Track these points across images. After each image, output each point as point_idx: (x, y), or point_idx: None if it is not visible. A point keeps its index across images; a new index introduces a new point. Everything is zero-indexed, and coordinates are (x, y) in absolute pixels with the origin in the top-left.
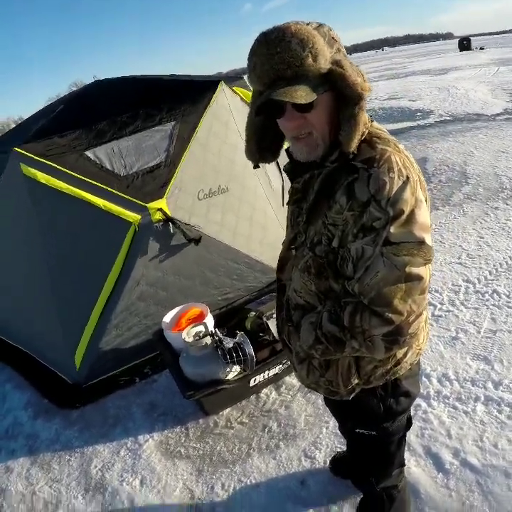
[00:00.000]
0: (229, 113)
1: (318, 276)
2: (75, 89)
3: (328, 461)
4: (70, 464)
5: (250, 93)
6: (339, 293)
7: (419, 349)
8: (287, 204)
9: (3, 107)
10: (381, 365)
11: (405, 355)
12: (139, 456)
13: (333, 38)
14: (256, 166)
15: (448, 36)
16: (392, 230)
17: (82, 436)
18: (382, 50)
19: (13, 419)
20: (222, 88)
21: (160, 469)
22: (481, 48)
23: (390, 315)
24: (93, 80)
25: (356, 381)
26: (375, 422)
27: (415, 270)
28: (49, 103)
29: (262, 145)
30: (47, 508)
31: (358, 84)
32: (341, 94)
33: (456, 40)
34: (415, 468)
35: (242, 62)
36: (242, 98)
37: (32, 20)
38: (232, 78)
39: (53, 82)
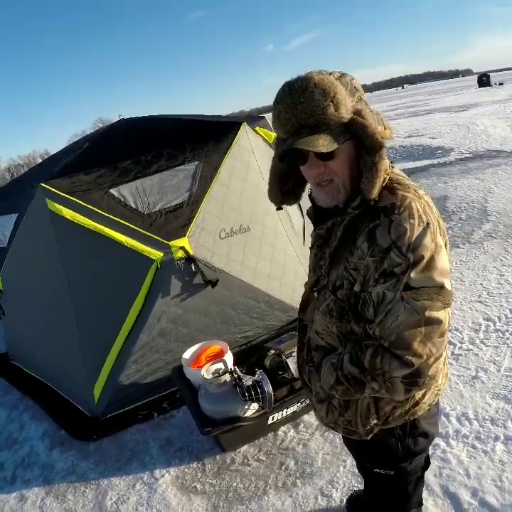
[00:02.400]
0: (251, 154)
1: (340, 319)
2: (100, 125)
3: (344, 500)
4: (85, 495)
5: (272, 133)
6: (360, 335)
7: (438, 390)
8: (310, 248)
9: (30, 140)
10: (400, 406)
11: (424, 396)
12: (155, 491)
13: (355, 87)
14: (279, 208)
15: (467, 73)
16: (412, 275)
17: (97, 469)
18: (402, 88)
19: (30, 449)
20: (245, 129)
21: (175, 504)
22: (500, 84)
23: (409, 358)
24: (119, 118)
25: (375, 421)
26: (393, 462)
27: (435, 314)
28: (74, 138)
29: (284, 189)
30: None
31: (378, 133)
32: (362, 143)
33: (475, 76)
34: (433, 507)
35: (264, 100)
36: (264, 139)
37: (61, 55)
38: (254, 118)
39: (79, 118)
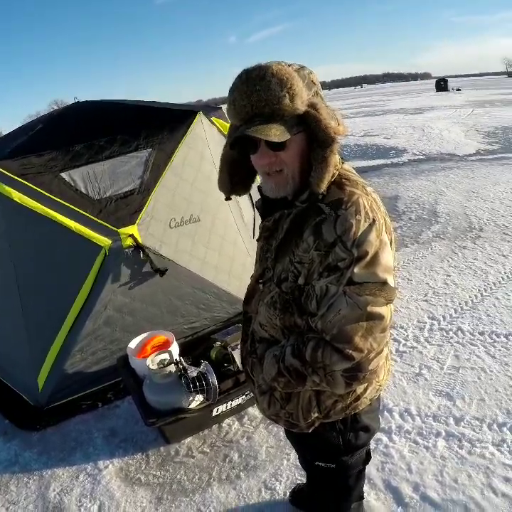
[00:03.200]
0: (205, 143)
1: (283, 312)
2: (55, 107)
3: (288, 493)
4: (28, 486)
5: (228, 124)
6: (303, 328)
7: (380, 385)
8: (257, 240)
9: None
10: (341, 400)
11: (365, 390)
12: (99, 482)
13: (312, 81)
14: (228, 198)
15: (426, 76)
16: (356, 270)
17: (41, 459)
18: (361, 87)
19: None
20: (200, 118)
21: (119, 496)
22: (458, 89)
23: (350, 352)
24: (74, 102)
25: (316, 415)
26: (334, 456)
27: (377, 309)
28: (28, 119)
29: (234, 178)
30: None
31: (331, 127)
32: (314, 136)
33: (434, 81)
34: (375, 501)
35: (221, 91)
36: (219, 129)
37: (16, 33)
38: (211, 108)
39: (33, 99)
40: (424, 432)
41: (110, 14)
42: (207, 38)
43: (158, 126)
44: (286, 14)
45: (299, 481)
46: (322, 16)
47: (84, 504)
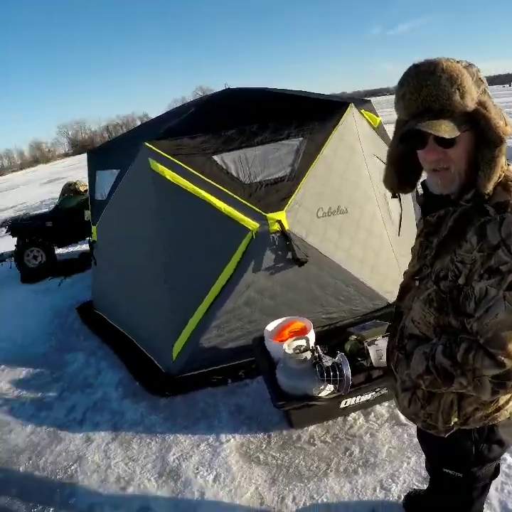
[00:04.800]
0: (356, 136)
1: (439, 310)
2: (200, 93)
3: (402, 497)
4: (149, 447)
5: (377, 118)
6: (457, 329)
7: None
8: (416, 236)
9: (129, 102)
10: (482, 409)
11: (507, 402)
12: (218, 454)
13: (480, 78)
14: (394, 196)
15: None
16: None
17: (165, 424)
18: (510, 86)
19: (103, 395)
20: (352, 110)
21: (236, 470)
22: None
23: (502, 358)
24: (224, 88)
25: (455, 420)
26: (463, 465)
27: None
28: (174, 104)
29: (400, 175)
30: (119, 482)
31: (500, 127)
32: (482, 136)
33: None
34: None
35: (366, 84)
36: (369, 122)
37: (164, 21)
38: (360, 101)
39: (178, 85)
40: None
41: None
42: (348, 27)
43: (310, 115)
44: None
45: (415, 487)
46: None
47: (201, 472)
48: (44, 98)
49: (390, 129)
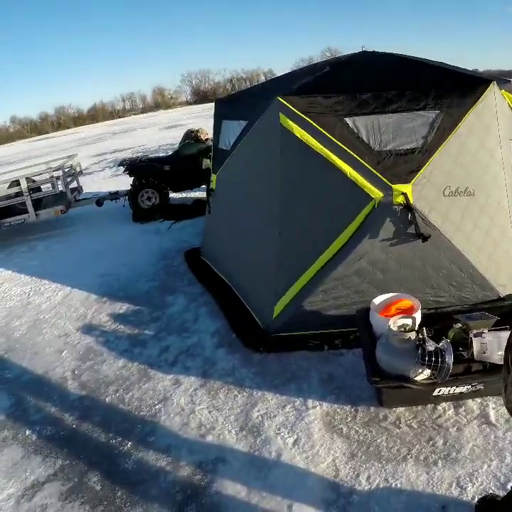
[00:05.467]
0: (494, 116)
1: None
2: (328, 55)
3: (476, 497)
4: (235, 399)
5: None
6: None
7: None
8: None
9: (254, 57)
10: None
11: None
12: (302, 418)
13: None
14: None
15: None
16: None
17: (255, 379)
18: None
19: (198, 341)
20: (493, 89)
21: (317, 438)
22: None
23: None
24: (361, 50)
25: None
26: None
27: None
28: (300, 63)
29: None
30: (199, 429)
31: None
32: None
33: None
34: None
35: (501, 63)
36: (509, 104)
37: None
38: (501, 80)
39: (306, 44)
40: None
41: None
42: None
43: (449, 88)
44: None
45: (491, 491)
46: None
47: (282, 433)
48: (171, 45)
49: None
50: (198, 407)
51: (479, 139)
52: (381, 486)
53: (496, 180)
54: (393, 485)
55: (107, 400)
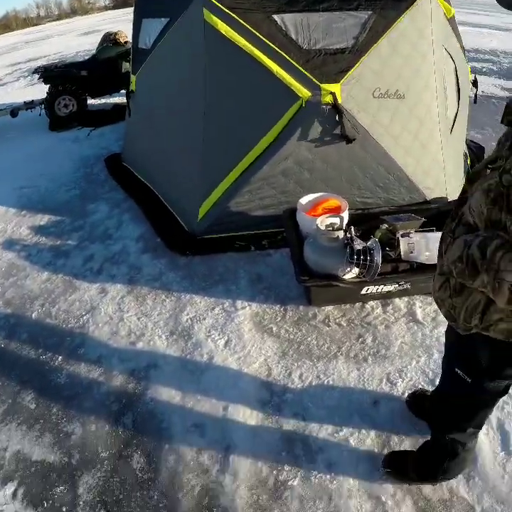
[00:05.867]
0: (428, 21)
1: (494, 203)
2: None
3: (406, 393)
4: (164, 304)
5: (452, 9)
6: (505, 227)
7: None
8: (502, 123)
9: None
10: (507, 321)
11: None
12: (232, 319)
13: None
14: None
15: None
16: None
17: (183, 283)
18: None
19: (122, 247)
20: None
21: (247, 338)
22: None
23: None
24: None
25: (476, 322)
26: (474, 371)
27: None
28: None
29: None
30: (129, 336)
31: None
32: None
33: None
34: (484, 436)
35: None
36: (444, 12)
37: None
38: None
39: None
40: None
41: None
42: None
43: None
44: None
45: (421, 386)
46: None
47: (213, 335)
48: None
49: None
50: (126, 314)
51: (412, 43)
52: (314, 384)
53: (427, 85)
54: (325, 382)
55: (33, 315)
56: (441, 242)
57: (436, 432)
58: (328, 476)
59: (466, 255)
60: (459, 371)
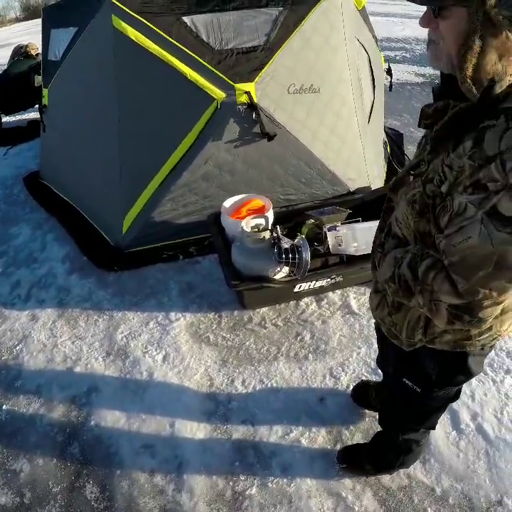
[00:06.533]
0: (339, 14)
1: (420, 215)
2: None
3: (351, 386)
4: (96, 324)
5: (363, 1)
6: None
7: (499, 334)
8: (418, 125)
9: None
10: (451, 333)
11: (480, 334)
12: (167, 333)
13: None
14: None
15: None
16: (504, 199)
17: (113, 300)
18: None
19: (48, 270)
20: None
21: (185, 350)
22: None
23: (463, 289)
24: None
25: (420, 337)
26: (423, 382)
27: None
28: None
29: None
30: (65, 362)
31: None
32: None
33: None
34: None
35: None
36: (355, 3)
37: None
38: None
39: None
40: (495, 365)
41: None
42: None
43: None
44: None
45: (364, 377)
46: None
47: (150, 351)
48: None
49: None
50: (59, 339)
51: (324, 36)
52: (258, 388)
53: (341, 77)
54: (269, 385)
55: None
56: (372, 255)
57: (388, 432)
58: (285, 480)
59: (398, 275)
60: (407, 381)
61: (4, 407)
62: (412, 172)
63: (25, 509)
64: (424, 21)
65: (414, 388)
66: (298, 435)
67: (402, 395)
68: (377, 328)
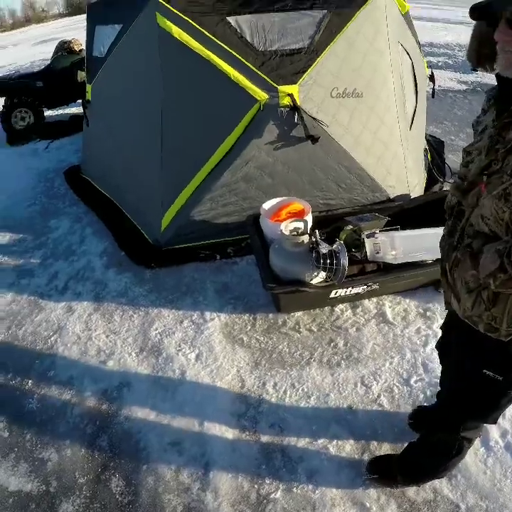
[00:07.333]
0: (383, 17)
1: None
2: None
3: (382, 395)
4: (131, 320)
5: (407, 5)
6: None
7: None
8: (483, 130)
9: None
10: None
11: None
12: (201, 332)
13: None
14: (473, 69)
15: None
16: None
17: (150, 297)
18: None
19: (86, 263)
20: None
21: (218, 350)
22: None
23: None
24: None
25: None
26: (507, 370)
27: None
28: None
29: (482, 51)
30: (99, 355)
31: None
32: None
33: None
34: None
35: None
36: (399, 8)
37: None
38: None
39: None
40: None
41: None
42: None
43: None
44: None
45: (396, 388)
46: None
47: (183, 349)
48: None
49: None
50: (94, 333)
51: (368, 40)
52: (288, 393)
53: (385, 82)
54: (300, 390)
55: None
56: (442, 261)
57: (444, 433)
58: (310, 486)
59: (510, 263)
60: (488, 372)
61: (36, 395)
62: (485, 172)
63: (50, 498)
64: (501, 36)
65: (496, 377)
66: (326, 442)
67: (481, 386)
68: (458, 335)
